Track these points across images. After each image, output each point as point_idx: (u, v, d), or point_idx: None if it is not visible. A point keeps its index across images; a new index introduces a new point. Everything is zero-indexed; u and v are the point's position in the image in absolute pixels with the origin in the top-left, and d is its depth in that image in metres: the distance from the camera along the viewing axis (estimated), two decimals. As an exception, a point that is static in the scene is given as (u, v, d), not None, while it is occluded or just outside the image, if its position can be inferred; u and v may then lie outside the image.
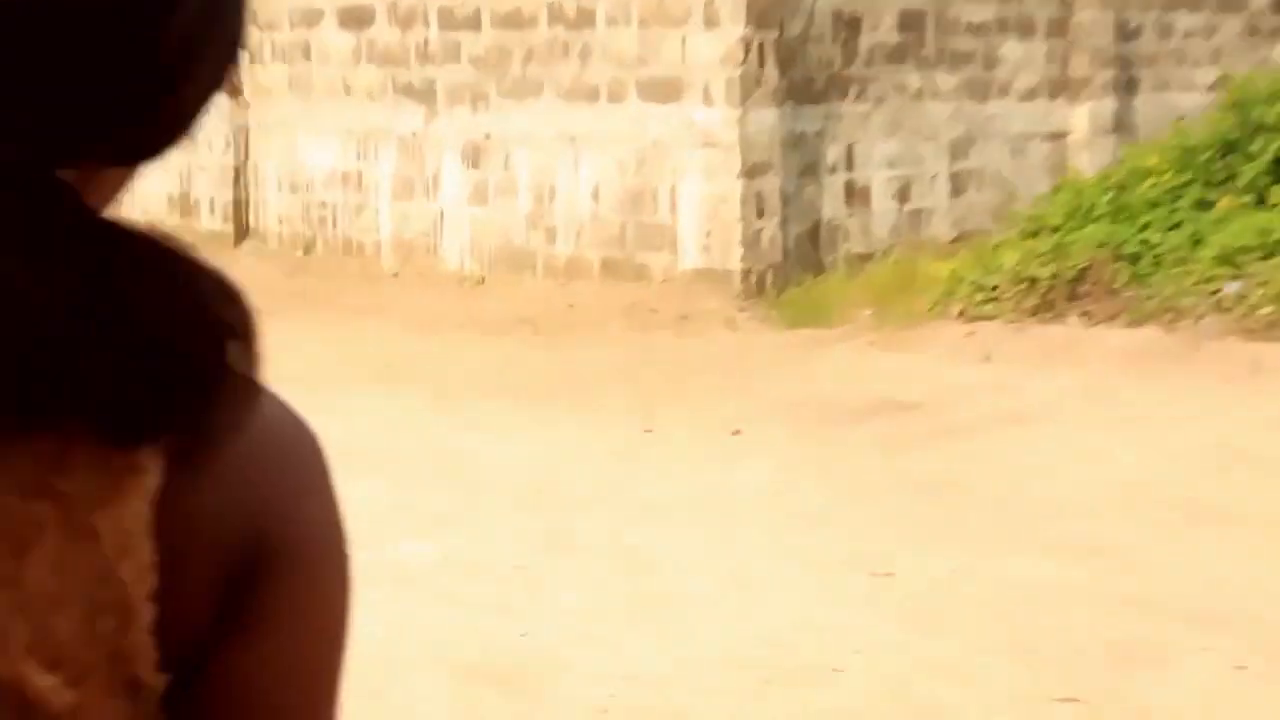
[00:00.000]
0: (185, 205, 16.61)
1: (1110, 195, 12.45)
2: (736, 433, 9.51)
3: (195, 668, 1.13)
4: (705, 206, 13.27)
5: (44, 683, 1.05)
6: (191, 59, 1.02)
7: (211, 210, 16.43)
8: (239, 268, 14.48)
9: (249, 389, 1.08)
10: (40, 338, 1.00)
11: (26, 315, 0.99)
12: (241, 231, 16.16)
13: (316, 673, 1.21)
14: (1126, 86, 17.02)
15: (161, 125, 1.05)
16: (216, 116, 15.90)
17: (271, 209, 16.16)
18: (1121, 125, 16.78)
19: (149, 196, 16.76)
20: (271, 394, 1.12)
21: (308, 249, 15.48)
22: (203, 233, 16.23)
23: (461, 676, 5.73)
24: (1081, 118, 16.43)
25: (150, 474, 1.05)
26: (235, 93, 15.94)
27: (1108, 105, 16.58)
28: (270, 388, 1.10)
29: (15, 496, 1.05)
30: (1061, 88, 16.44)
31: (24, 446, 1.04)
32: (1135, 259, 11.63)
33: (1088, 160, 15.94)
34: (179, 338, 1.04)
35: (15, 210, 0.99)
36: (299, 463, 1.20)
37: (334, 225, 15.63)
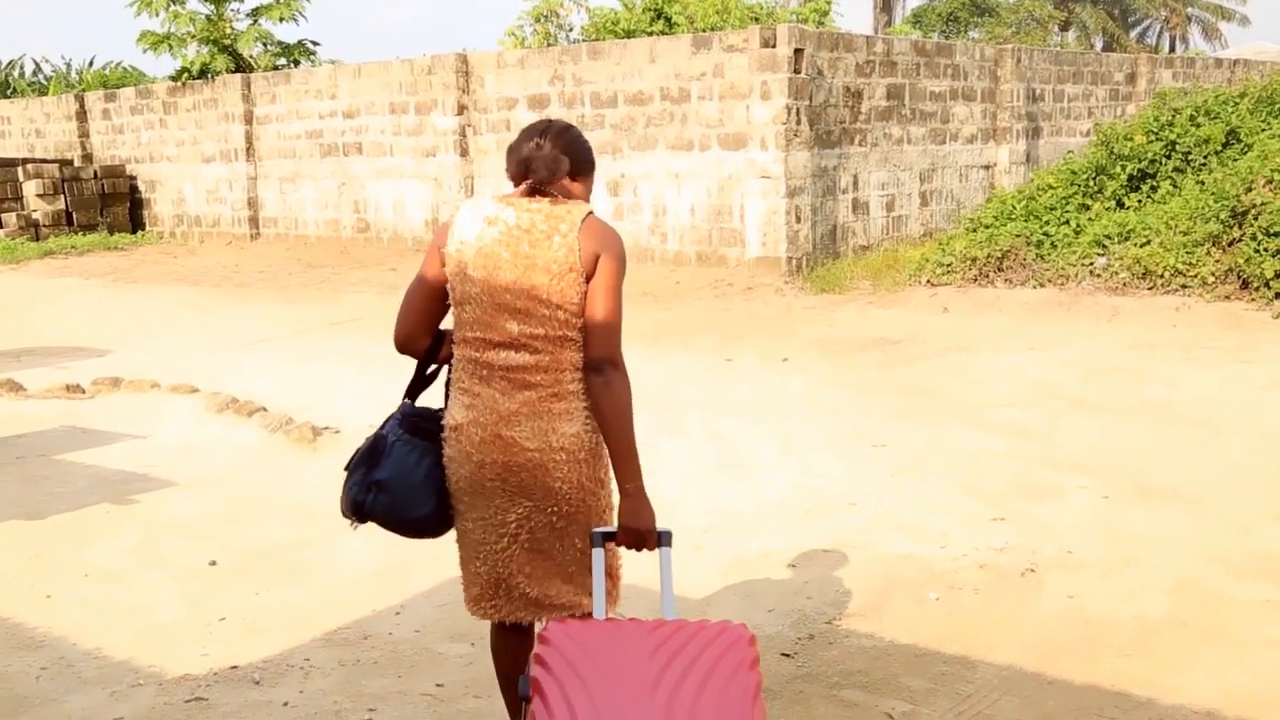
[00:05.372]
0: (436, 226, 16.37)
1: (1023, 203, 12.29)
2: (785, 360, 9.46)
3: (588, 277, 2.76)
4: (762, 217, 13.25)
5: (545, 278, 2.76)
6: (588, 180, 2.95)
7: (451, 227, 16.42)
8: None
9: (592, 209, 2.84)
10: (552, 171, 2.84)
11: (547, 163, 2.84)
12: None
13: (618, 276, 2.79)
14: (1033, 133, 16.88)
15: (583, 195, 2.93)
16: (454, 170, 16.28)
17: (487, 225, 16.14)
18: (1030, 158, 16.68)
19: (414, 221, 16.97)
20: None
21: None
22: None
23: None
24: (1004, 154, 16.36)
25: (573, 226, 2.78)
26: (463, 153, 16.30)
27: (1021, 146, 16.49)
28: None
29: (543, 226, 2.78)
30: (991, 135, 16.35)
31: (547, 197, 2.85)
32: (1039, 244, 11.50)
33: (1008, 181, 15.93)
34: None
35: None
36: (611, 232, 2.83)
37: (527, 234, 15.70)
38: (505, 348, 2.78)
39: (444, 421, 2.88)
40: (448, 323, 2.97)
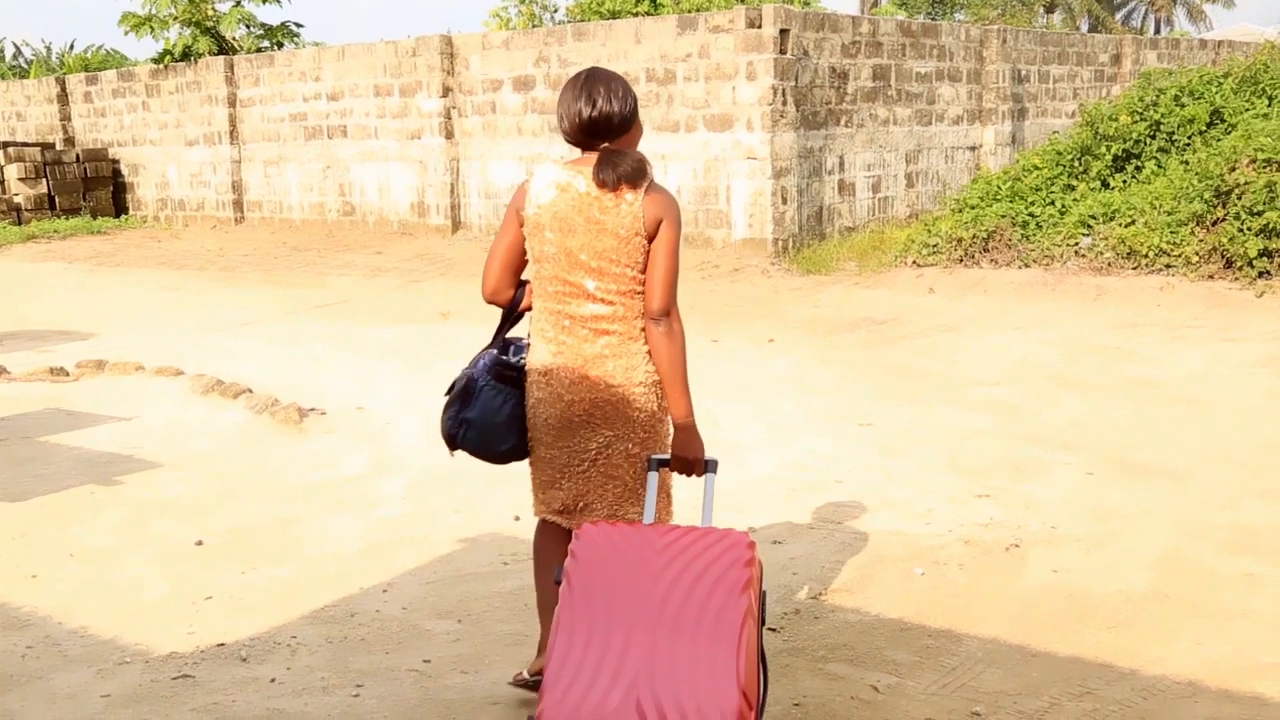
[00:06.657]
0: (421, 209, 16.58)
1: (1008, 184, 12.32)
2: (771, 341, 9.49)
3: (650, 238, 3.13)
4: (748, 198, 13.25)
5: (610, 243, 3.14)
6: (633, 127, 3.23)
7: (437, 211, 16.36)
8: (455, 249, 14.28)
9: (652, 177, 3.17)
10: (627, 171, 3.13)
11: (628, 166, 3.14)
12: (455, 225, 16.18)
13: (676, 238, 3.14)
14: (1019, 114, 16.91)
15: (633, 142, 3.23)
16: (439, 152, 16.22)
17: (474, 210, 16.14)
18: (1015, 139, 16.71)
19: (399, 203, 16.89)
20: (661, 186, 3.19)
21: (495, 234, 15.37)
22: (431, 226, 16.33)
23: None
24: (990, 135, 16.38)
25: (637, 194, 3.13)
26: (449, 135, 16.24)
27: (1007, 126, 16.51)
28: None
29: (610, 196, 3.12)
30: (977, 116, 16.36)
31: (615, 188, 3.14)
32: (1024, 225, 11.55)
33: (994, 163, 15.98)
34: (644, 166, 3.15)
35: (620, 155, 3.15)
36: (670, 199, 3.19)
37: (513, 217, 15.71)
38: (584, 300, 3.19)
39: (530, 365, 3.31)
40: (527, 274, 3.39)
